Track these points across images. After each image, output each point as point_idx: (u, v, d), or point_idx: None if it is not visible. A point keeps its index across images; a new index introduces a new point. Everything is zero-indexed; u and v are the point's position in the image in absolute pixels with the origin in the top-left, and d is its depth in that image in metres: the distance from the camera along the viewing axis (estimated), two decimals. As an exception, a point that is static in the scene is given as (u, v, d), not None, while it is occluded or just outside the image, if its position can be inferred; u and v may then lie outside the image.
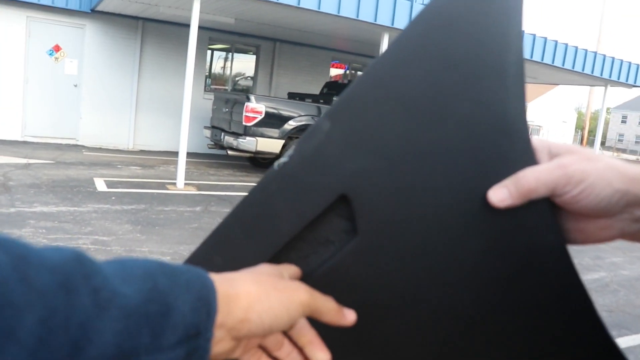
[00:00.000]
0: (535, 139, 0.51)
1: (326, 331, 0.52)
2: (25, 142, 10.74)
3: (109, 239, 4.86)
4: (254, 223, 0.55)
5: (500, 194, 0.49)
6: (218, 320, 0.41)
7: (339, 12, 8.49)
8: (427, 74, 0.51)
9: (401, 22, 9.01)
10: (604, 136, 67.23)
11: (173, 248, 4.79)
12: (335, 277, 0.54)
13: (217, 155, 11.71)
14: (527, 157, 0.50)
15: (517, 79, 0.50)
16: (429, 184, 0.51)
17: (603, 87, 13.88)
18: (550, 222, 0.50)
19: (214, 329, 0.41)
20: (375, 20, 8.81)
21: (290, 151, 0.54)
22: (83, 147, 11.15)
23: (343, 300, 0.53)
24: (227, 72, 13.37)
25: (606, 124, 66.92)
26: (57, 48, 11.11)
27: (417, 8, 9.18)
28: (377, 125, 0.52)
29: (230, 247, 0.56)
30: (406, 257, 0.53)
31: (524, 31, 0.51)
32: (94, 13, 11.10)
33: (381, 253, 0.53)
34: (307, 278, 0.54)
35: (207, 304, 0.41)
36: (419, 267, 0.53)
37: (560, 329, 0.52)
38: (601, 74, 12.53)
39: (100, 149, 11.10)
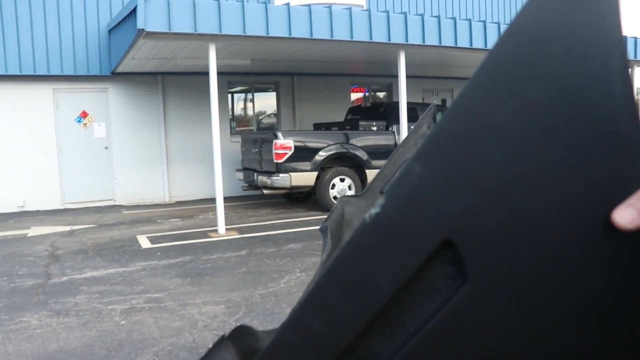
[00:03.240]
0: None
1: None
2: (66, 210, 10.97)
3: (161, 295, 4.87)
4: (352, 281, 0.51)
5: (628, 215, 0.44)
6: None
7: (352, 37, 8.53)
8: (523, 96, 0.47)
9: (415, 38, 9.01)
10: (637, 118, 65.69)
11: (226, 296, 4.77)
12: (450, 327, 0.50)
13: (252, 196, 11.76)
14: None
15: (625, 87, 0.45)
16: (542, 216, 0.47)
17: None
18: None
19: None
20: (389, 40, 8.83)
21: (380, 201, 0.51)
22: (121, 206, 11.33)
23: (463, 352, 0.49)
24: (250, 112, 13.51)
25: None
26: (84, 114, 11.41)
27: (429, 21, 9.17)
28: (474, 160, 0.48)
29: (327, 309, 0.52)
30: (525, 298, 0.48)
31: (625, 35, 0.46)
32: (115, 75, 11.39)
33: (497, 296, 0.49)
34: (417, 334, 0.50)
35: None
36: (539, 306, 0.48)
37: None
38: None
39: (138, 206, 11.26)
